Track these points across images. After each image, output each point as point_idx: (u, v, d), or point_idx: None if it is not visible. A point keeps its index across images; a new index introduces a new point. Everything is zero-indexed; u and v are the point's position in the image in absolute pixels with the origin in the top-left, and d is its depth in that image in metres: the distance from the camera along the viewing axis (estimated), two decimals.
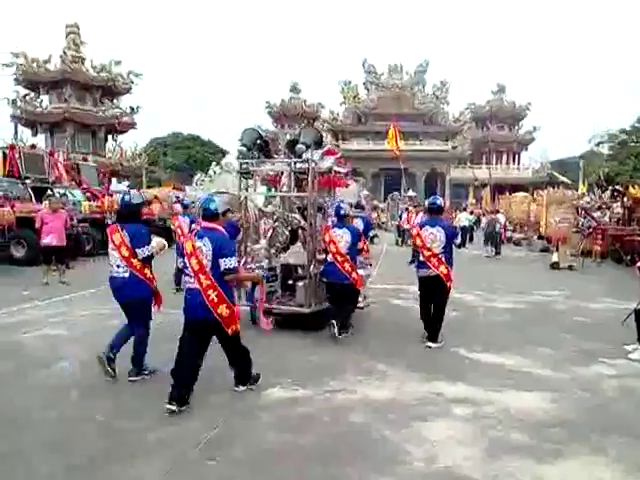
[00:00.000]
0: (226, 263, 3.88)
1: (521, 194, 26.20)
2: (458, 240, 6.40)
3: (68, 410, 3.90)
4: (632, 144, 34.87)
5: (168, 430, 3.53)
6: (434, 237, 5.79)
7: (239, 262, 4.79)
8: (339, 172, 6.97)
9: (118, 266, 4.46)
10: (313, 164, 6.20)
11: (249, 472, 3.06)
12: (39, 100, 30.94)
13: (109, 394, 4.21)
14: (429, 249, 5.78)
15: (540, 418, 3.85)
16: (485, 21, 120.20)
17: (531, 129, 53.91)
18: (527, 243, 21.50)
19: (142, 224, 4.66)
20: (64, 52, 30.11)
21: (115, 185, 29.02)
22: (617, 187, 21.97)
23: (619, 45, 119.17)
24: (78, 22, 30.81)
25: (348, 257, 6.00)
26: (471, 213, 24.99)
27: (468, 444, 3.40)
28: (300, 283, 6.33)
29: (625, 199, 16.52)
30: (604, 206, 18.08)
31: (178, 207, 12.05)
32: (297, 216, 6.61)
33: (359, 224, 6.96)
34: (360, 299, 6.74)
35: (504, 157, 54.44)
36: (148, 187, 32.78)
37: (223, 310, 3.89)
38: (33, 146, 16.34)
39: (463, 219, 20.62)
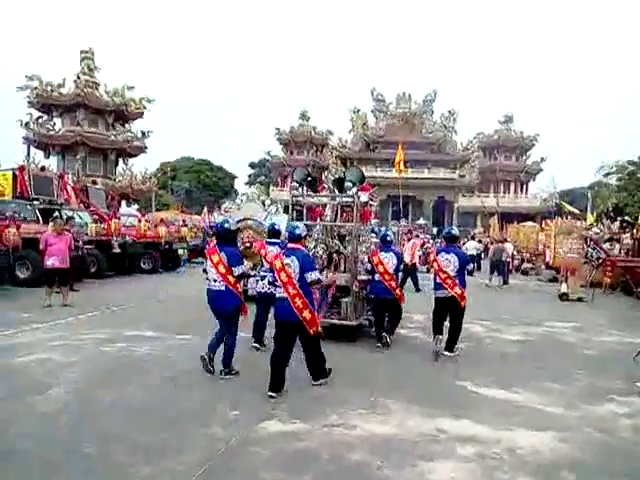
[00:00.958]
0: (312, 276, 4.92)
1: (529, 223, 26.08)
2: (470, 266, 7.17)
3: (53, 440, 3.75)
4: None
5: (161, 465, 3.38)
6: (448, 262, 6.56)
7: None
8: (372, 205, 8.28)
9: (215, 280, 5.31)
10: (358, 199, 7.30)
11: None
12: (52, 123, 31.46)
13: (99, 422, 4.06)
14: (445, 272, 6.51)
15: (549, 459, 3.66)
16: (493, 52, 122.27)
17: (539, 159, 54.03)
18: (535, 273, 21.25)
19: (234, 247, 5.67)
20: (78, 77, 30.75)
21: (124, 208, 29.24)
22: (626, 218, 21.81)
23: (626, 77, 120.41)
24: (93, 48, 31.52)
25: (394, 276, 7.11)
26: (479, 242, 24.84)
27: None
28: (345, 299, 7.13)
29: (635, 230, 16.34)
30: (614, 237, 17.87)
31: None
32: (337, 242, 7.64)
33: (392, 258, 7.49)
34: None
35: (512, 186, 54.47)
36: (157, 210, 32.99)
37: (307, 314, 4.86)
38: (43, 168, 16.53)
39: (471, 248, 20.46)
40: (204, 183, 58.03)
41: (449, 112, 54.91)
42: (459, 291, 6.49)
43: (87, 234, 13.83)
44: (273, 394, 4.73)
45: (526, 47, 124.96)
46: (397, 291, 7.16)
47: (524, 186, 55.09)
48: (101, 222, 15.16)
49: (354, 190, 7.37)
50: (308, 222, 7.82)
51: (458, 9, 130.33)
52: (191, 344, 6.76)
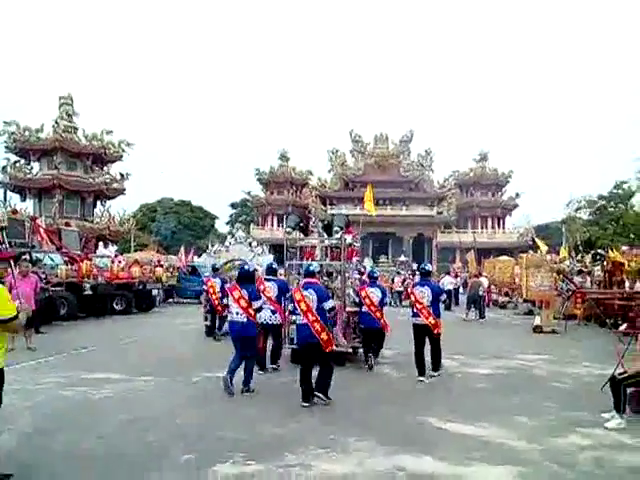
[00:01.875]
0: (328, 305, 5.92)
1: (504, 258, 26.41)
2: (443, 296, 8.22)
3: None
4: (611, 209, 35.78)
5: None
6: (423, 294, 7.47)
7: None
8: (355, 245, 9.59)
9: (237, 313, 6.28)
10: (344, 241, 8.33)
11: None
12: (29, 167, 31.34)
13: (49, 470, 3.88)
14: (421, 303, 7.42)
15: None
16: (467, 92, 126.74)
17: (514, 195, 55.22)
18: (513, 306, 21.40)
19: (253, 285, 6.70)
20: (56, 122, 30.88)
21: (101, 250, 28.89)
22: (599, 251, 22.26)
23: (593, 115, 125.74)
24: (72, 93, 31.83)
25: (380, 308, 8.07)
26: (456, 276, 25.05)
27: None
28: (336, 327, 7.69)
29: (605, 263, 16.67)
30: (584, 270, 18.18)
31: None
32: (326, 278, 8.37)
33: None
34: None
35: (489, 222, 55.37)
36: (135, 251, 32.63)
37: (324, 336, 5.81)
38: (15, 211, 16.37)
39: (447, 283, 20.62)
40: (184, 224, 57.86)
41: (425, 151, 56.19)
42: (433, 321, 7.37)
43: (56, 276, 13.59)
44: (305, 404, 5.71)
45: (500, 85, 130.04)
46: (382, 321, 8.16)
47: (501, 221, 56.02)
48: (72, 264, 14.93)
49: (340, 234, 8.47)
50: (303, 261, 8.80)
51: (434, 50, 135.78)
52: (152, 386, 6.60)
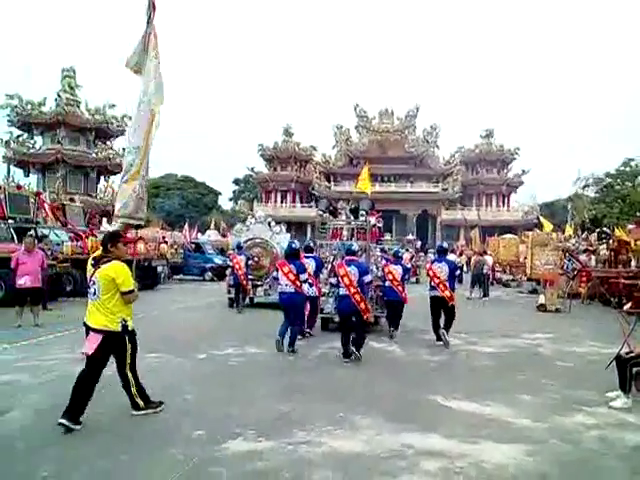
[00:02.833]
0: (367, 278, 7.15)
1: (509, 236, 26.29)
2: (457, 272, 9.47)
3: (9, 465, 3.63)
4: (618, 187, 35.44)
5: None
6: (440, 270, 8.43)
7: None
8: (378, 227, 11.15)
9: (286, 285, 7.39)
10: (369, 223, 9.81)
11: None
12: (32, 141, 31.18)
13: (59, 446, 3.95)
14: (438, 277, 8.38)
15: (514, 473, 3.63)
16: (473, 67, 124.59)
17: (519, 172, 54.58)
18: (516, 285, 21.40)
19: (298, 260, 7.82)
20: (59, 95, 30.61)
21: (105, 226, 28.88)
22: (605, 229, 22.13)
23: (603, 93, 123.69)
24: (74, 65, 31.46)
25: (401, 282, 9.09)
26: (460, 254, 24.99)
27: None
28: None
29: (611, 241, 16.58)
30: (590, 248, 18.09)
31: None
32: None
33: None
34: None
35: (494, 199, 54.94)
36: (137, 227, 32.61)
37: (363, 305, 6.92)
38: (19, 186, 16.27)
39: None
40: (188, 200, 57.71)
41: (431, 127, 55.53)
42: (449, 294, 8.36)
43: (62, 252, 13.62)
44: (346, 359, 6.84)
45: (506, 62, 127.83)
46: (403, 294, 9.13)
47: (506, 199, 55.54)
48: (78, 240, 14.93)
49: (365, 217, 9.90)
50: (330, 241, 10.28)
51: (440, 25, 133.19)
52: (161, 362, 6.65)
